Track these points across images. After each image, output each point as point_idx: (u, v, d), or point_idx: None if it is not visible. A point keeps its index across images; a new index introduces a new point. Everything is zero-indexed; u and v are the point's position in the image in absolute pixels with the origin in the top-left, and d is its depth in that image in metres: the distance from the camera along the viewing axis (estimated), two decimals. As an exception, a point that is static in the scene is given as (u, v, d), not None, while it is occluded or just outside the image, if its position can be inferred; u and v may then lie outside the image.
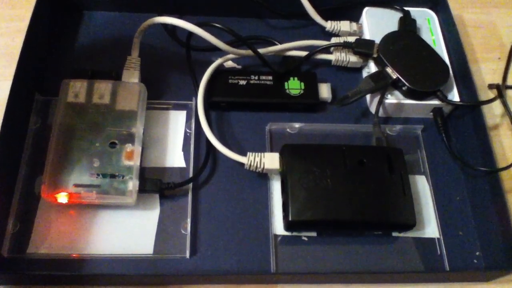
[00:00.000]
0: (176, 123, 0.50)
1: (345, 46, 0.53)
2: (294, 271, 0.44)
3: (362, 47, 0.52)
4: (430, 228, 0.46)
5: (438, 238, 0.46)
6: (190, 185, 0.46)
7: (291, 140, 0.49)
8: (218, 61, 0.51)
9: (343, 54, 0.54)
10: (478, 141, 0.49)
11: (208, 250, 0.44)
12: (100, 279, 0.42)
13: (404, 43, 0.52)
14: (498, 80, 0.57)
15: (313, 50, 0.53)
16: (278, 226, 0.45)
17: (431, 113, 0.52)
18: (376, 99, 0.50)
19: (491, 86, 0.56)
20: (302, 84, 0.51)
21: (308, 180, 0.44)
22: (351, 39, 0.54)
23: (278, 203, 0.46)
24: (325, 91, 0.52)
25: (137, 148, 0.45)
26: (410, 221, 0.44)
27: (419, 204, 0.47)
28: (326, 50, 0.54)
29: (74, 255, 0.42)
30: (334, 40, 0.55)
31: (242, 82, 0.51)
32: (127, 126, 0.45)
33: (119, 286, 0.43)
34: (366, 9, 0.56)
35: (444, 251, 0.45)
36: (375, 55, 0.52)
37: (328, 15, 0.56)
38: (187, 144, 0.48)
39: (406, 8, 0.56)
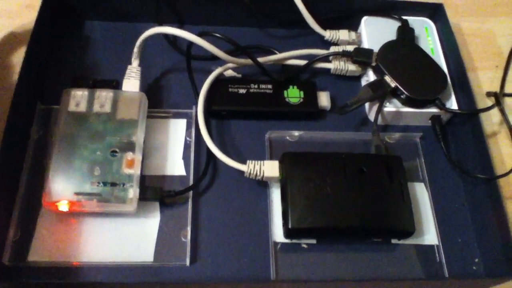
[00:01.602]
0: (176, 132, 0.50)
1: (344, 55, 0.54)
2: (294, 278, 0.44)
3: (361, 56, 0.53)
4: (429, 235, 0.47)
5: (437, 245, 0.46)
6: (190, 193, 0.46)
7: (290, 148, 0.50)
8: (218, 70, 0.52)
9: (342, 63, 0.54)
10: (477, 149, 0.49)
11: (208, 258, 0.44)
12: (100, 287, 0.42)
13: (403, 52, 0.52)
14: (496, 88, 0.57)
15: (312, 59, 0.54)
16: (278, 234, 0.45)
17: (430, 121, 0.52)
18: (375, 107, 0.51)
19: (489, 94, 0.57)
20: (302, 92, 0.52)
21: (307, 188, 0.44)
22: (350, 48, 0.54)
23: (278, 210, 0.46)
24: (324, 99, 0.52)
25: (138, 157, 0.45)
26: (410, 228, 0.44)
27: (418, 211, 0.47)
28: (325, 59, 0.54)
29: (74, 263, 0.42)
30: (333, 49, 0.55)
31: (242, 91, 0.51)
32: (128, 135, 0.45)
33: (120, 294, 0.43)
34: (364, 18, 0.57)
35: (444, 258, 0.46)
36: (373, 64, 0.52)
37: (327, 24, 0.56)
38: (187, 152, 0.49)
39: (404, 17, 0.57)
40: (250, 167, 0.46)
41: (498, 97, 0.55)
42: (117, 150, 0.45)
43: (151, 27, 0.49)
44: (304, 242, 0.45)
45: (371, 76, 0.53)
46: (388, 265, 0.45)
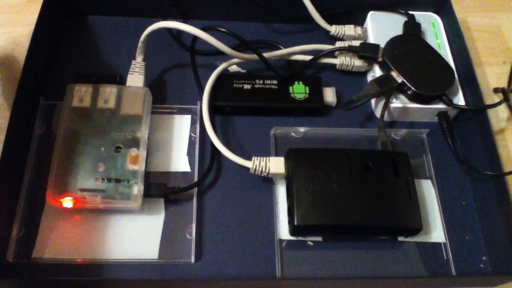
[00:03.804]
0: (180, 128, 0.50)
1: (350, 50, 0.53)
2: (299, 276, 0.44)
3: (367, 51, 0.52)
4: (436, 233, 0.46)
5: (444, 243, 0.46)
6: (195, 189, 0.46)
7: (296, 145, 0.49)
8: (223, 65, 0.51)
9: (348, 58, 0.54)
10: (484, 145, 0.49)
11: (213, 255, 0.44)
12: (105, 284, 0.42)
13: (409, 47, 0.52)
14: (503, 84, 0.57)
15: (317, 54, 0.53)
16: (284, 231, 0.45)
17: (437, 117, 0.52)
18: (381, 103, 0.50)
19: (496, 90, 0.56)
20: (307, 88, 0.51)
21: (313, 184, 0.44)
22: (356, 43, 0.54)
23: (283, 207, 0.46)
24: (330, 95, 0.52)
25: (142, 153, 0.45)
26: (416, 225, 0.44)
27: (425, 208, 0.47)
28: (331, 54, 0.54)
29: (78, 260, 0.42)
30: (338, 44, 0.54)
31: (247, 86, 0.51)
32: (132, 131, 0.45)
33: (124, 291, 0.43)
34: (370, 13, 0.56)
35: (451, 256, 0.45)
36: (380, 59, 0.52)
37: (332, 19, 0.56)
38: (191, 149, 0.48)
39: (410, 12, 0.56)
40: (255, 164, 0.46)
41: (505, 93, 0.54)
42: (121, 146, 0.44)
43: (155, 21, 0.48)
44: (310, 239, 0.45)
45: (377, 72, 0.52)
46: (395, 262, 0.45)
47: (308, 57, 0.53)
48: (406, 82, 0.49)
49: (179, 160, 0.48)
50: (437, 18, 0.57)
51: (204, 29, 0.48)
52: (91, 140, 0.44)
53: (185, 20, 0.57)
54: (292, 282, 0.44)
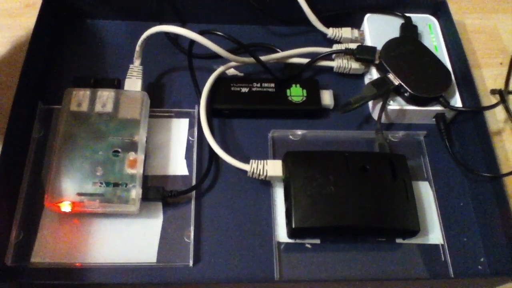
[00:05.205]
0: (178, 131, 0.50)
1: (347, 52, 0.53)
2: (297, 278, 0.44)
3: (364, 54, 0.52)
4: (434, 234, 0.46)
5: (442, 244, 0.46)
6: (193, 193, 0.46)
7: (293, 147, 0.49)
8: (220, 68, 0.52)
9: (345, 61, 0.54)
10: (481, 147, 0.49)
11: (211, 258, 0.44)
12: (103, 288, 0.42)
13: (406, 49, 0.52)
14: (500, 85, 0.57)
15: (315, 57, 0.53)
16: (282, 234, 0.45)
17: (434, 119, 0.52)
18: (379, 106, 0.50)
19: (493, 92, 0.56)
20: (304, 91, 0.51)
21: (311, 187, 0.44)
22: (353, 45, 0.54)
23: (281, 210, 0.46)
24: (327, 97, 0.52)
25: (140, 156, 0.45)
26: (414, 227, 0.44)
27: (423, 210, 0.47)
28: (328, 56, 0.54)
29: (77, 264, 0.42)
30: (336, 46, 0.55)
31: (245, 90, 0.51)
32: (130, 135, 0.45)
33: (123, 294, 0.43)
34: (367, 15, 0.56)
35: (449, 258, 0.45)
36: (377, 62, 0.52)
37: (329, 22, 0.56)
38: (189, 152, 0.49)
39: (407, 15, 0.56)
40: (253, 167, 0.46)
41: (502, 95, 0.54)
42: (119, 150, 0.45)
43: (152, 25, 0.48)
44: (308, 242, 0.45)
45: (374, 74, 0.53)
46: (393, 264, 0.45)
47: (305, 60, 0.54)
48: (403, 84, 0.49)
49: (177, 164, 0.48)
50: (433, 20, 0.57)
51: (201, 32, 0.48)
52: (89, 144, 0.44)
53: (182, 24, 0.57)
54: (290, 284, 0.44)
